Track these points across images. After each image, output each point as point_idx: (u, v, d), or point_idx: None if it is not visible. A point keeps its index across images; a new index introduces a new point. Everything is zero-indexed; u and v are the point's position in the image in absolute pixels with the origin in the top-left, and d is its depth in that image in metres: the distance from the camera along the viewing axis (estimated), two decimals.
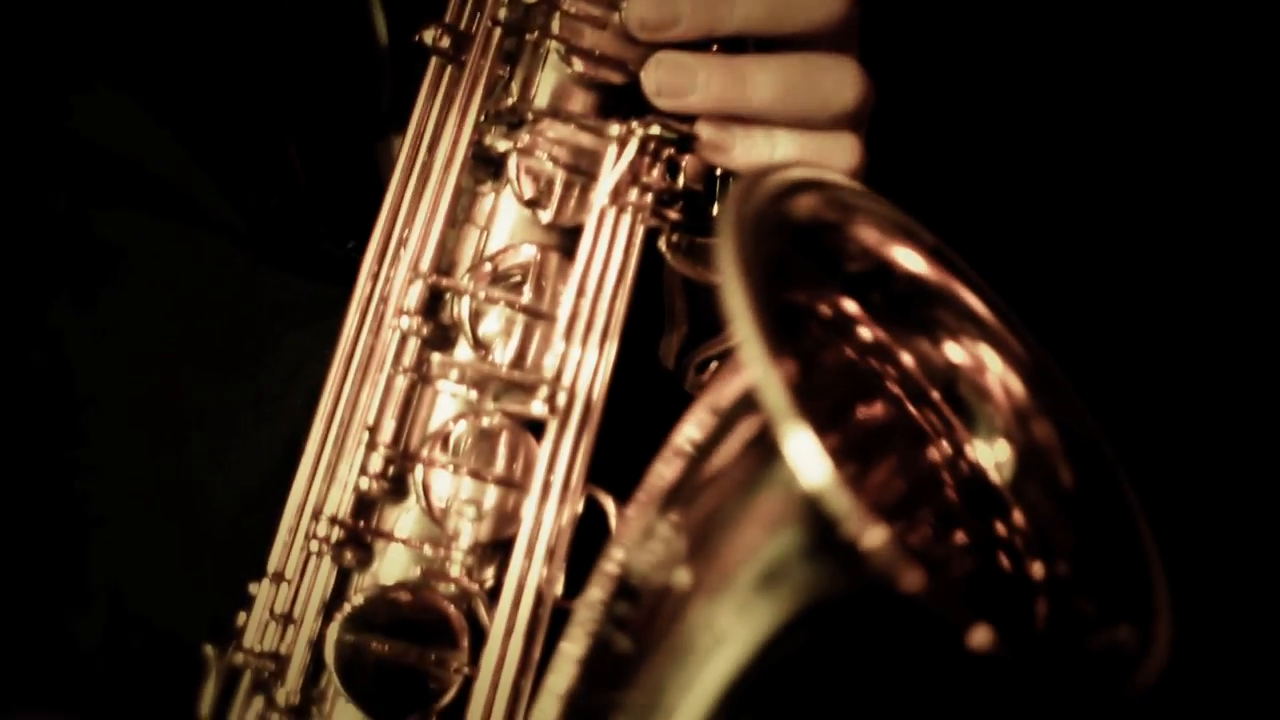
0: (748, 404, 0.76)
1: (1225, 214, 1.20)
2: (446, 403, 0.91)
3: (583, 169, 0.92)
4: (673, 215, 0.92)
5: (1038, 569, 0.81)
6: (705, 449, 0.78)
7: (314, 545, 0.88)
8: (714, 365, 0.93)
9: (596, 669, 0.79)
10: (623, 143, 0.91)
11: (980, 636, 0.68)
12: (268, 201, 1.03)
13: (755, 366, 0.70)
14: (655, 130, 0.90)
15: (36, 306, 1.01)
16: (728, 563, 0.75)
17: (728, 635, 0.74)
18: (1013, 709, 0.74)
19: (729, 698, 0.75)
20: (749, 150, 0.90)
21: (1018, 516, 0.83)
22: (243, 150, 1.03)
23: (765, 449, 0.74)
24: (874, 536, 0.67)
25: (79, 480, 1.01)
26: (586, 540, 0.88)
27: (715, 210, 0.93)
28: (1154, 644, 0.74)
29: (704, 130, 0.91)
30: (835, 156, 0.91)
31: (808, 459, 0.69)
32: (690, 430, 0.80)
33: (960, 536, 0.84)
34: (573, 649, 0.81)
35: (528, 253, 0.92)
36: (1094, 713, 0.72)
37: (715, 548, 0.75)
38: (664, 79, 0.90)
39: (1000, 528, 0.83)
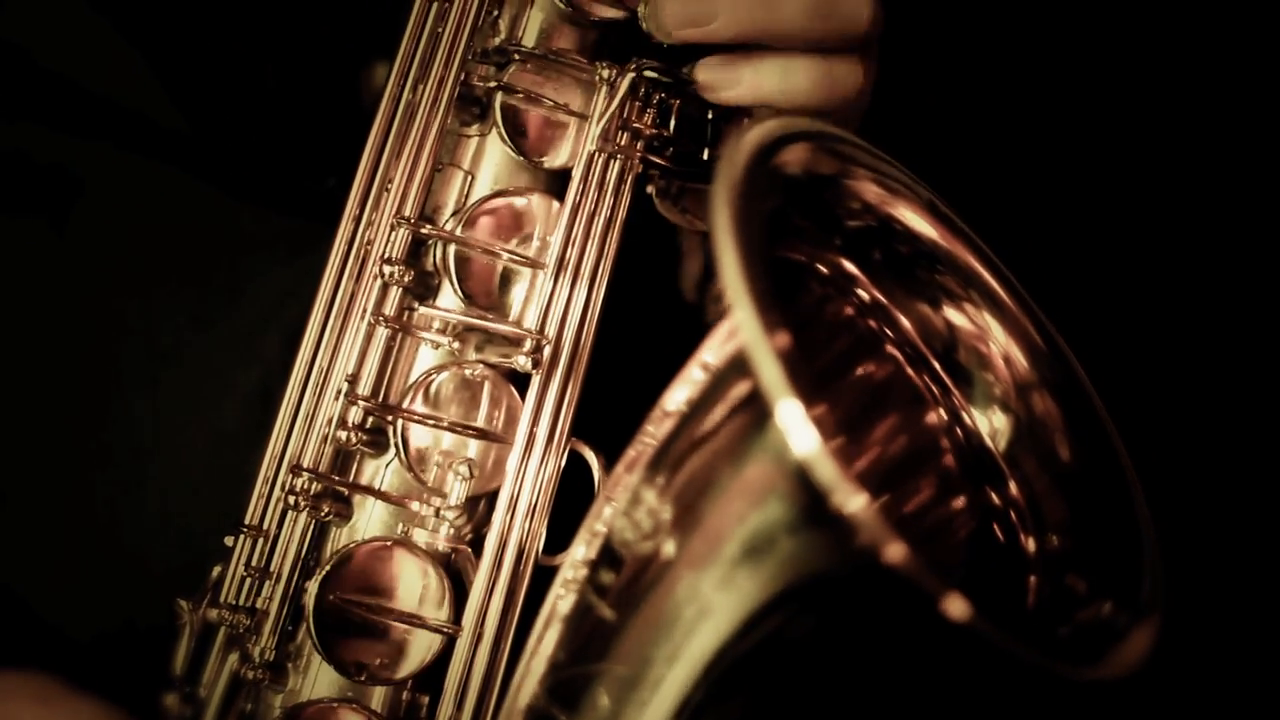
0: (739, 369, 0.74)
1: (1225, 198, 1.17)
2: (428, 353, 0.88)
3: (571, 111, 0.89)
4: (661, 161, 0.89)
5: (1030, 543, 0.79)
6: (695, 412, 0.76)
7: (291, 499, 0.86)
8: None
9: (579, 636, 0.77)
10: (613, 85, 0.88)
11: (958, 610, 0.66)
12: (244, 133, 1.00)
13: (747, 333, 0.68)
14: (647, 73, 0.88)
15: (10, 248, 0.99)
16: (714, 533, 0.73)
17: (712, 608, 0.73)
18: (997, 684, 0.73)
19: (714, 672, 0.73)
20: (759, 81, 0.86)
21: (1013, 488, 0.81)
22: (218, 77, 1.00)
23: (755, 417, 0.72)
24: (860, 509, 0.66)
25: (50, 418, 0.98)
26: (569, 495, 0.87)
27: (705, 155, 0.90)
28: (1141, 625, 0.73)
29: (707, 71, 0.87)
30: (849, 79, 0.87)
31: (797, 430, 0.67)
32: (680, 391, 0.77)
33: (954, 505, 0.82)
34: (558, 608, 0.79)
35: (513, 198, 0.89)
36: (1077, 692, 0.70)
37: (701, 517, 0.73)
38: (683, 9, 0.85)
39: (995, 498, 0.81)
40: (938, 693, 0.74)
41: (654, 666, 0.74)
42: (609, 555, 0.76)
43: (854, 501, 0.66)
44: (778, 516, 0.70)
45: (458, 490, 0.86)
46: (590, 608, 0.77)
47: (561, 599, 0.80)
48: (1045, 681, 0.70)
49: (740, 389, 0.73)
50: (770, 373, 0.67)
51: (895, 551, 0.65)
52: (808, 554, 0.70)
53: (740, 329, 0.68)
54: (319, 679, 0.87)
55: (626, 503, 0.76)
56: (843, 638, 0.72)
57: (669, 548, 0.74)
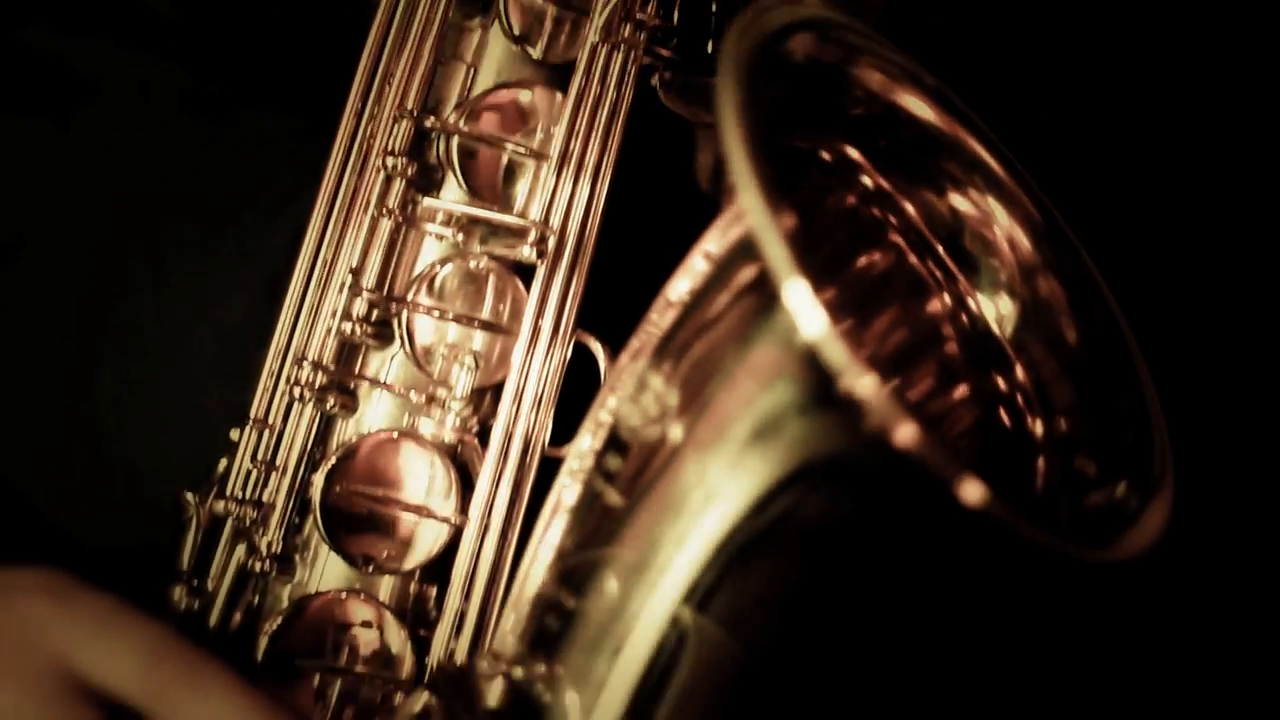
0: (744, 254, 0.74)
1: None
2: (432, 246, 0.88)
3: (574, 4, 0.89)
4: (665, 53, 0.89)
5: (1038, 426, 0.80)
6: (700, 299, 0.76)
7: (296, 391, 0.86)
8: None
9: (586, 523, 0.77)
10: None
11: (971, 492, 0.66)
12: (244, 33, 1.00)
13: (753, 216, 0.68)
14: None
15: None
16: (721, 417, 0.73)
17: (720, 491, 0.73)
18: (1010, 567, 0.73)
19: (723, 555, 0.73)
20: None
21: (1019, 372, 0.81)
22: None
23: (762, 300, 0.72)
24: (870, 390, 0.66)
25: (53, 317, 0.98)
26: (574, 386, 0.87)
27: (710, 48, 0.90)
28: (1153, 506, 0.73)
29: None
30: None
31: (806, 311, 0.67)
32: (684, 280, 0.77)
33: (960, 391, 0.82)
34: (564, 498, 0.79)
35: (516, 91, 0.89)
36: (1090, 573, 0.71)
37: (708, 401, 0.74)
38: None
39: (1001, 383, 0.82)
40: (949, 575, 0.74)
41: (662, 550, 0.74)
42: (616, 441, 0.77)
43: (864, 383, 0.66)
44: (786, 399, 0.70)
45: (463, 382, 0.86)
46: (597, 494, 0.77)
47: (567, 489, 0.80)
48: (1057, 564, 0.70)
49: (745, 274, 0.73)
50: (777, 254, 0.67)
51: (906, 433, 0.66)
52: (817, 436, 0.70)
53: (747, 212, 0.68)
54: (326, 571, 0.87)
55: (633, 389, 0.76)
56: (852, 519, 0.72)
57: (676, 432, 0.74)
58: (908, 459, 0.66)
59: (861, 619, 0.74)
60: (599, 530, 0.77)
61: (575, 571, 0.77)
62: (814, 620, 0.75)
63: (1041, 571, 0.77)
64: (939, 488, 0.66)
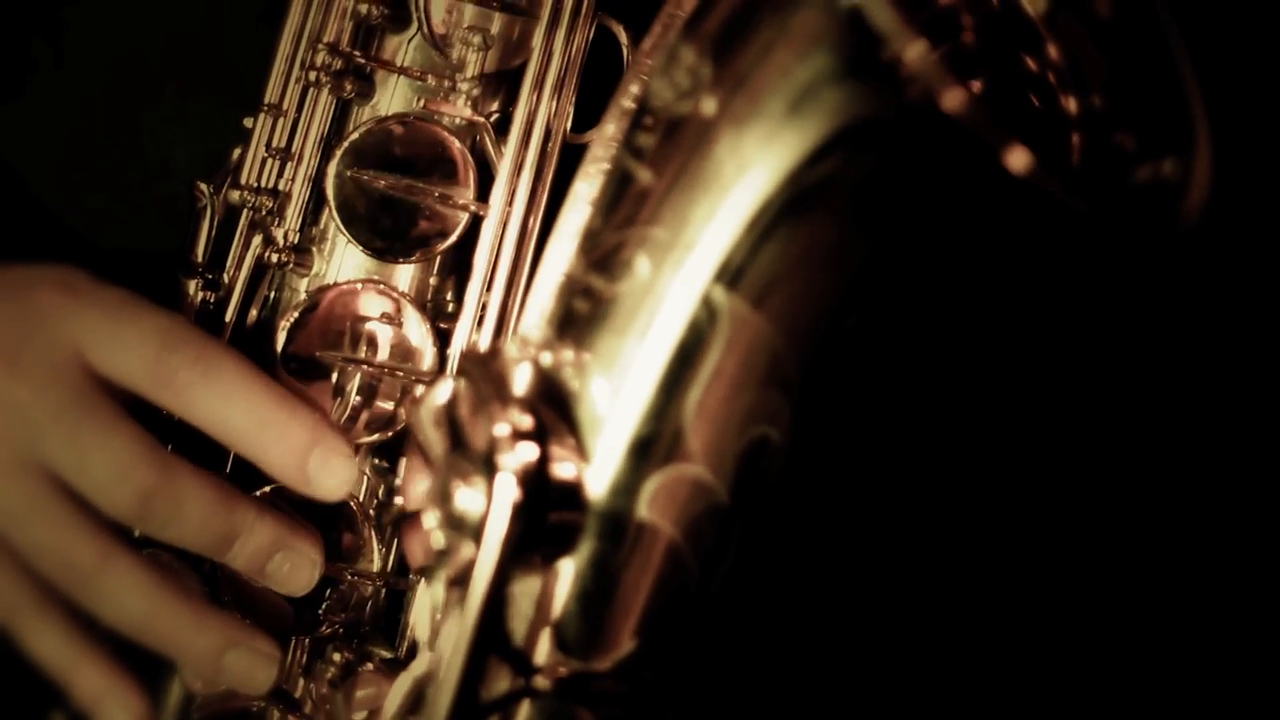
0: None
1: None
2: None
3: None
4: None
5: (1072, 104, 0.78)
6: None
7: (312, 75, 0.84)
8: None
9: (615, 204, 0.76)
10: None
11: (1018, 158, 0.65)
12: None
13: None
14: None
15: None
16: (756, 88, 0.71)
17: (754, 163, 0.71)
18: (1053, 245, 0.73)
19: (754, 231, 0.72)
20: None
21: (1051, 51, 0.79)
22: None
23: None
24: (918, 54, 0.64)
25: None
26: (596, 73, 0.85)
27: None
28: (1195, 176, 0.72)
29: None
30: None
31: None
32: None
33: (991, 72, 0.80)
34: (588, 188, 0.78)
35: None
36: (1139, 245, 0.70)
37: (743, 73, 0.72)
38: None
39: (1031, 64, 0.80)
40: (987, 248, 0.73)
41: (693, 226, 0.73)
42: (646, 119, 0.75)
43: (913, 47, 0.64)
44: (826, 67, 0.69)
45: (482, 64, 0.84)
46: (626, 172, 0.75)
47: (592, 176, 0.78)
48: (1096, 240, 0.69)
49: None
50: None
51: (954, 98, 0.64)
52: (857, 104, 0.68)
53: None
54: (344, 261, 0.86)
55: (662, 64, 0.75)
56: (888, 190, 0.71)
57: (709, 106, 0.72)
58: (953, 125, 0.65)
59: (889, 283, 0.74)
60: (628, 210, 0.75)
61: (604, 253, 0.76)
62: (844, 289, 0.74)
63: (1082, 250, 0.76)
64: (983, 154, 0.65)
